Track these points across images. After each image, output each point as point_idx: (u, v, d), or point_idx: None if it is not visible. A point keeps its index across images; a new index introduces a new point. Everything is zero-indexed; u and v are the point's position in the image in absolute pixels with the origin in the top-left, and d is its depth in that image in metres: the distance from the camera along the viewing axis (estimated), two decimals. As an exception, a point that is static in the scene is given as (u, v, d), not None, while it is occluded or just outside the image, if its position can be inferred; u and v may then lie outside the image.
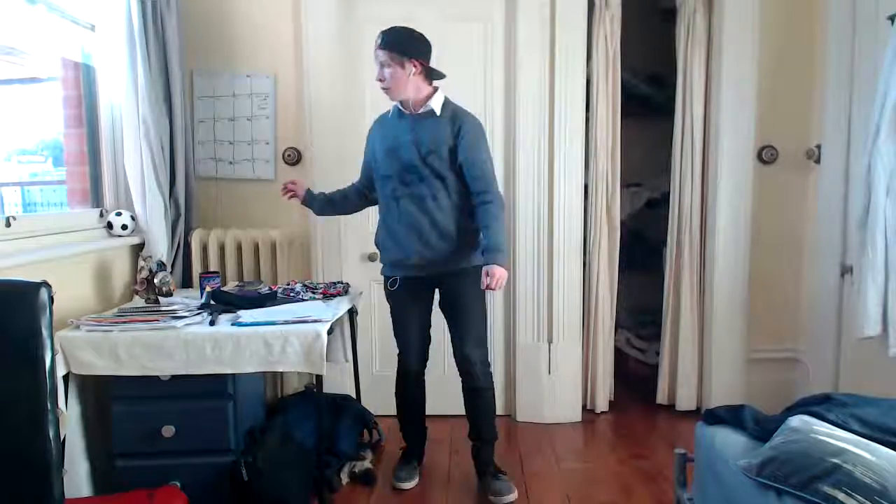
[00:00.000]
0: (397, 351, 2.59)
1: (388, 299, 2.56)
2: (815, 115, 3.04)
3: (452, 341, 2.49)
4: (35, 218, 2.38)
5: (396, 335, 2.57)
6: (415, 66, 2.31)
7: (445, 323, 2.52)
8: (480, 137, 2.40)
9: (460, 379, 2.51)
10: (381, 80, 2.33)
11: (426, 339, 2.58)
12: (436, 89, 2.40)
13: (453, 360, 2.42)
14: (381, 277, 2.54)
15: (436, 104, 2.36)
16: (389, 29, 2.35)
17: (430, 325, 2.58)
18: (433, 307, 2.56)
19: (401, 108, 2.41)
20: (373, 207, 2.60)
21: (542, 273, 3.13)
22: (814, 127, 3.04)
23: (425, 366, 2.59)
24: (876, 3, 2.54)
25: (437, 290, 2.53)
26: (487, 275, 2.26)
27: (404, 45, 2.31)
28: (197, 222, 2.97)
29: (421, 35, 2.36)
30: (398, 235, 2.41)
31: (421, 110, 2.37)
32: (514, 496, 2.43)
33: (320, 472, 2.35)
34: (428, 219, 2.35)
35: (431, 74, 2.37)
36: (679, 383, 3.29)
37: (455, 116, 2.37)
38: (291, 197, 2.67)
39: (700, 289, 3.26)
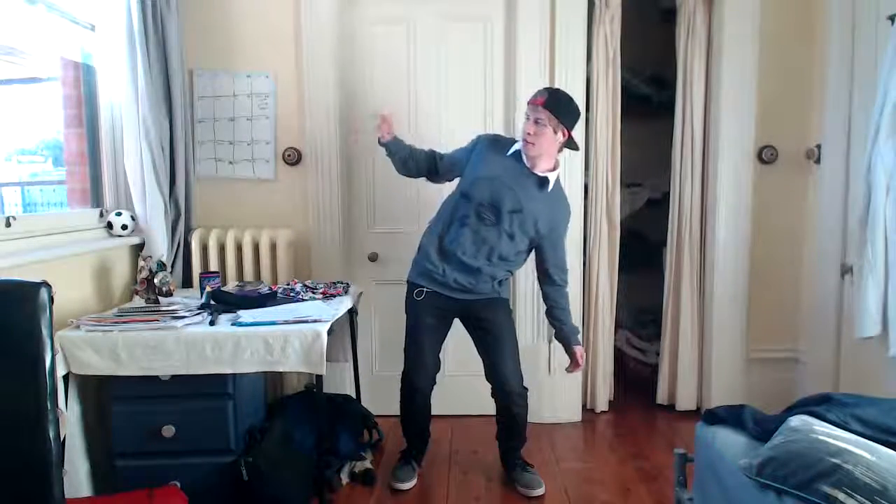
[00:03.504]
0: (402, 369, 2.52)
1: (407, 310, 2.51)
2: (815, 115, 3.03)
3: (488, 370, 2.49)
4: (35, 218, 2.37)
5: (408, 351, 2.51)
6: (563, 135, 2.33)
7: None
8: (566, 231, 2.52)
9: (494, 402, 2.51)
10: (528, 134, 2.31)
11: (437, 361, 2.52)
12: (557, 163, 2.43)
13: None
14: (382, 278, 2.51)
15: (552, 178, 2.39)
16: (556, 90, 2.40)
17: (442, 347, 2.53)
18: (450, 333, 2.54)
19: (522, 154, 2.38)
20: (378, 211, 2.50)
21: (542, 273, 3.12)
22: (814, 127, 3.04)
23: (432, 388, 2.53)
24: (876, 3, 2.54)
25: (459, 318, 2.52)
26: (581, 356, 2.49)
27: (567, 113, 2.32)
28: (197, 222, 2.97)
29: (578, 106, 2.41)
30: (447, 255, 2.41)
31: (537, 171, 2.37)
32: (542, 490, 2.47)
33: (320, 472, 2.35)
34: (478, 261, 2.39)
35: (569, 144, 2.40)
36: (679, 383, 3.29)
37: (558, 207, 2.45)
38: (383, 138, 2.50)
39: (700, 289, 3.26)
